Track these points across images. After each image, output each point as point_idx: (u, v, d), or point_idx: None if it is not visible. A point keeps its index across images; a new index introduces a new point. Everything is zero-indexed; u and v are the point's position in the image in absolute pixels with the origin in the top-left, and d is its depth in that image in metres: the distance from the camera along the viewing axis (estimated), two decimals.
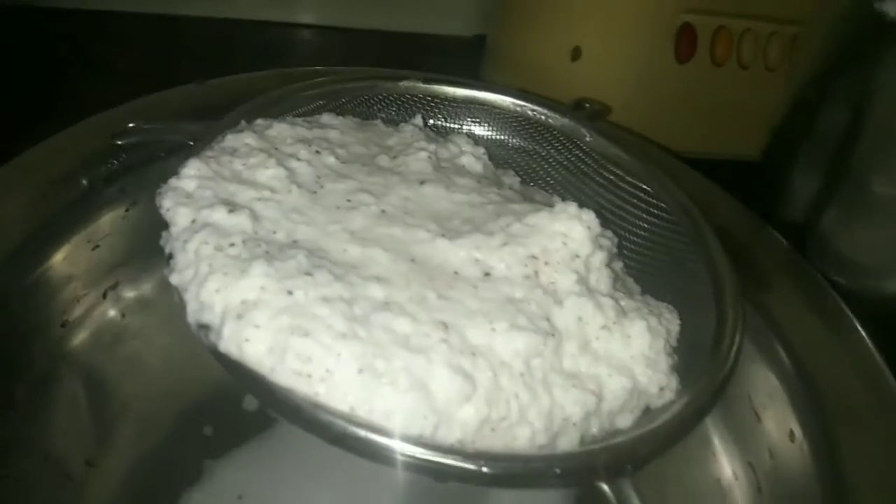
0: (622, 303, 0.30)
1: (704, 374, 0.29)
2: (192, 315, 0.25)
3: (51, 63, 0.58)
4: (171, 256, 0.27)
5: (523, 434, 0.24)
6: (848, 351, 0.35)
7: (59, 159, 0.36)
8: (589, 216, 0.30)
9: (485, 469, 0.22)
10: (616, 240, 0.34)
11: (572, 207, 0.30)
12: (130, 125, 0.34)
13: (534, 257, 0.29)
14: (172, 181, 0.29)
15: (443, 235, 0.29)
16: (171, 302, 0.40)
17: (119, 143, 0.34)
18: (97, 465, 0.38)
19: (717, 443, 0.39)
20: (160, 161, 0.37)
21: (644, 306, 0.31)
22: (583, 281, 0.29)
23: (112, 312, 0.39)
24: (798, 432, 0.34)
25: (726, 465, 0.38)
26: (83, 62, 0.58)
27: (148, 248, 0.39)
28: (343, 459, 0.39)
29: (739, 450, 0.38)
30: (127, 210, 0.37)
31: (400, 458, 0.22)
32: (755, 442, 0.37)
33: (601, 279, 0.30)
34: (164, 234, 0.28)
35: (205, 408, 0.41)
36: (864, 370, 0.34)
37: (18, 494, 0.33)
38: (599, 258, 0.30)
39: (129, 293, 0.40)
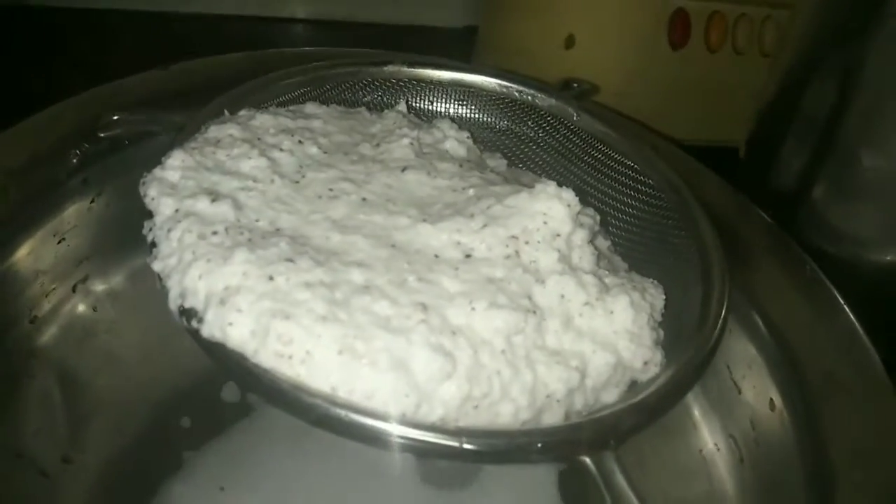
0: (606, 280, 0.30)
1: (689, 347, 0.29)
2: (174, 301, 0.25)
3: (38, 59, 0.58)
4: (153, 245, 0.27)
5: (506, 411, 0.24)
6: (826, 320, 0.35)
7: (19, 150, 0.35)
8: (568, 194, 0.30)
9: (466, 445, 0.21)
10: (598, 217, 0.34)
11: (551, 187, 0.30)
12: (115, 117, 0.33)
13: (514, 237, 0.29)
14: (157, 171, 0.29)
15: (424, 220, 0.29)
16: (142, 294, 0.40)
17: (102, 135, 0.33)
18: (73, 462, 0.37)
19: (698, 415, 0.39)
20: (123, 150, 0.36)
21: (628, 282, 0.31)
22: (564, 259, 0.29)
23: (82, 307, 0.39)
24: (778, 401, 0.34)
25: (708, 437, 0.38)
26: (71, 59, 0.58)
27: (115, 239, 0.39)
28: (324, 446, 0.39)
29: (720, 422, 0.38)
30: (92, 201, 0.36)
31: (383, 437, 0.21)
32: (736, 413, 0.37)
33: (584, 257, 0.30)
34: (146, 223, 0.28)
35: (181, 399, 0.41)
36: (843, 339, 0.34)
37: None
38: (581, 236, 0.30)
39: (99, 286, 0.39)
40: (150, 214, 0.29)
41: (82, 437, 0.38)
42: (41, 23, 0.61)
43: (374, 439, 0.22)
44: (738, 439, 0.37)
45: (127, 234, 0.38)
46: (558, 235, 0.29)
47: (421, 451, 0.22)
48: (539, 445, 0.22)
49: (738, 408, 0.37)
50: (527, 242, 0.29)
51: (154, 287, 0.40)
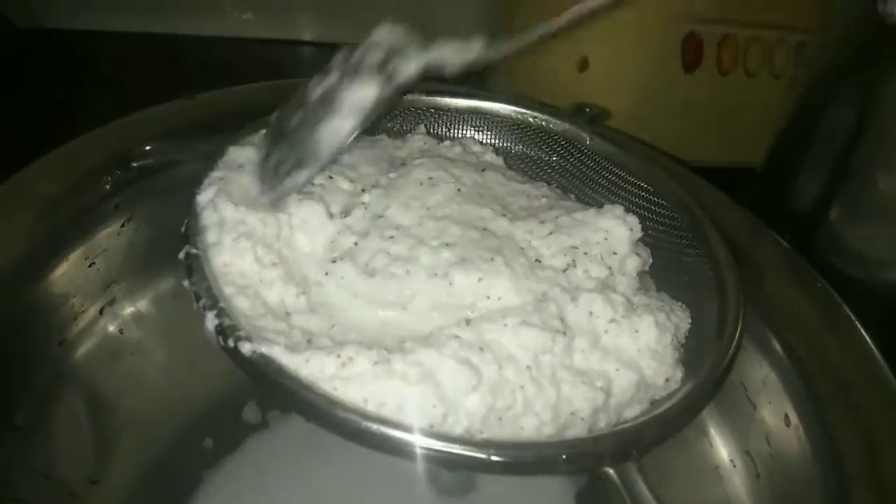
0: (633, 298, 0.31)
1: (707, 363, 0.29)
2: (211, 321, 0.26)
3: (54, 83, 0.59)
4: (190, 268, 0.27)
5: (530, 424, 0.25)
6: (839, 336, 0.36)
7: (55, 177, 0.36)
8: (633, 220, 0.32)
9: (493, 457, 0.22)
10: (650, 254, 0.34)
11: (619, 210, 0.32)
12: (147, 147, 0.34)
13: (574, 247, 0.30)
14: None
15: (504, 216, 0.31)
16: (167, 317, 0.41)
17: (135, 164, 0.34)
18: (100, 482, 0.38)
19: (714, 432, 0.39)
20: (152, 177, 0.37)
21: (655, 302, 0.31)
22: (609, 278, 0.30)
23: (110, 329, 0.39)
24: (793, 417, 0.34)
25: (724, 454, 0.39)
26: (87, 81, 0.59)
27: (143, 263, 0.40)
28: (342, 461, 0.40)
29: (736, 438, 0.38)
30: (122, 226, 0.37)
31: (412, 449, 0.22)
32: (751, 429, 0.37)
33: (627, 284, 0.31)
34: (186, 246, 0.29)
35: (203, 420, 0.42)
36: (856, 354, 0.35)
37: None
38: (633, 264, 0.32)
39: (126, 309, 0.40)
40: (163, 240, 0.30)
41: (108, 458, 0.38)
42: (61, 43, 0.63)
43: (403, 451, 0.22)
44: (754, 455, 0.37)
45: (153, 258, 0.40)
46: (614, 253, 0.31)
47: (449, 463, 0.22)
48: (564, 457, 0.23)
49: (754, 424, 0.37)
50: (585, 253, 0.30)
51: (179, 310, 0.41)
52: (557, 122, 0.39)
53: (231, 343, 0.24)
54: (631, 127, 0.45)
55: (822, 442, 0.32)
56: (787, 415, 0.34)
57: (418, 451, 0.22)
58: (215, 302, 0.26)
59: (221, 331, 0.25)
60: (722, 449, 0.39)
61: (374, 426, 0.22)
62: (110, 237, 0.37)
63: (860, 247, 0.40)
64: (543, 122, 0.39)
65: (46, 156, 0.36)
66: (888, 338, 0.38)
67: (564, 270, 0.30)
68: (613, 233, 0.31)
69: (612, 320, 0.28)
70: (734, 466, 0.38)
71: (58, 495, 0.36)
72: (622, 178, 0.38)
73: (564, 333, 0.27)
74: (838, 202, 0.41)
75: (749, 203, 0.41)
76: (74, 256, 0.36)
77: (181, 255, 0.28)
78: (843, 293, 0.38)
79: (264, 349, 0.24)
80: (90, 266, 0.37)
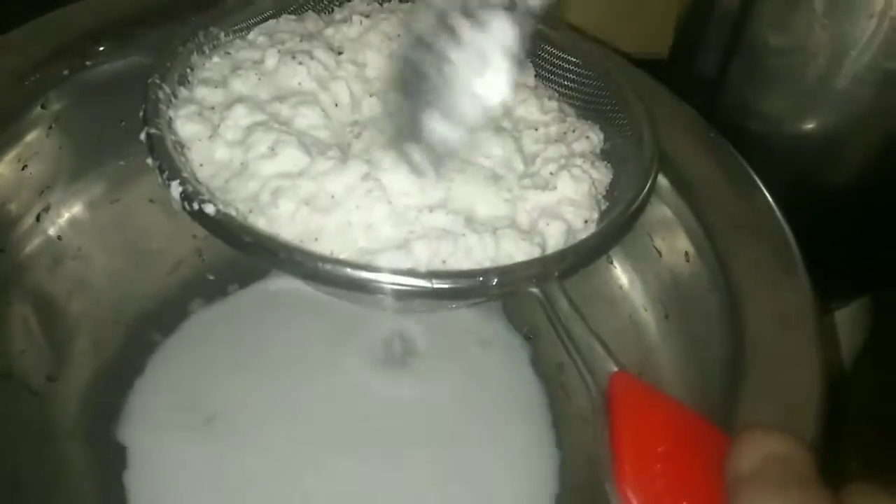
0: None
1: (619, 206, 0.33)
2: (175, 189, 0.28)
3: None
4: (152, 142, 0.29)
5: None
6: (731, 178, 0.40)
7: None
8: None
9: (436, 284, 0.25)
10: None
11: None
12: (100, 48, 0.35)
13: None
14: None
15: None
16: (103, 222, 0.42)
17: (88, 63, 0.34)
18: (58, 380, 0.39)
19: (627, 283, 0.43)
20: (79, 74, 0.37)
21: (569, 157, 0.34)
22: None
23: (48, 234, 0.40)
24: (692, 252, 0.38)
25: (637, 302, 0.43)
26: None
27: (75, 167, 0.41)
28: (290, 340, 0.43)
29: (646, 286, 0.43)
30: (50, 127, 0.38)
31: (367, 284, 0.25)
32: (659, 274, 0.42)
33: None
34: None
35: (151, 318, 0.43)
36: (743, 190, 0.39)
37: None
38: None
39: (63, 215, 0.41)
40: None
41: (63, 357, 0.40)
42: None
43: (358, 286, 0.25)
44: (662, 299, 0.42)
45: (85, 162, 0.41)
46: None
47: (398, 294, 0.25)
48: (496, 281, 0.26)
49: (660, 269, 0.41)
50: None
51: (114, 215, 0.42)
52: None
53: (196, 206, 0.26)
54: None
55: (717, 269, 0.37)
56: (686, 252, 0.39)
57: (374, 285, 0.25)
58: (178, 172, 0.27)
59: (186, 196, 0.27)
60: (634, 297, 0.43)
61: (334, 267, 0.25)
62: (40, 140, 0.38)
63: (758, 104, 0.43)
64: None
65: None
66: (782, 180, 0.42)
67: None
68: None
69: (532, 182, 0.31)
70: (646, 311, 0.43)
71: (19, 393, 0.37)
72: (553, 54, 0.39)
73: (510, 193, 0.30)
74: (737, 67, 0.44)
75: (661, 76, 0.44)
76: (8, 160, 0.36)
77: (142, 136, 0.29)
78: (747, 146, 0.42)
79: (224, 208, 0.26)
80: (23, 170, 0.37)
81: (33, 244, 0.39)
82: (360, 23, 0.36)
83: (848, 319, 0.54)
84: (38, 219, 0.39)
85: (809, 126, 0.41)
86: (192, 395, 0.41)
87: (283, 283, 0.45)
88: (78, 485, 0.36)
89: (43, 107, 0.36)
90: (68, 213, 0.41)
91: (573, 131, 0.36)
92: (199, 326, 0.43)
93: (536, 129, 0.35)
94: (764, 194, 0.38)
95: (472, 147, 0.31)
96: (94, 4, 0.39)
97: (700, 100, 0.45)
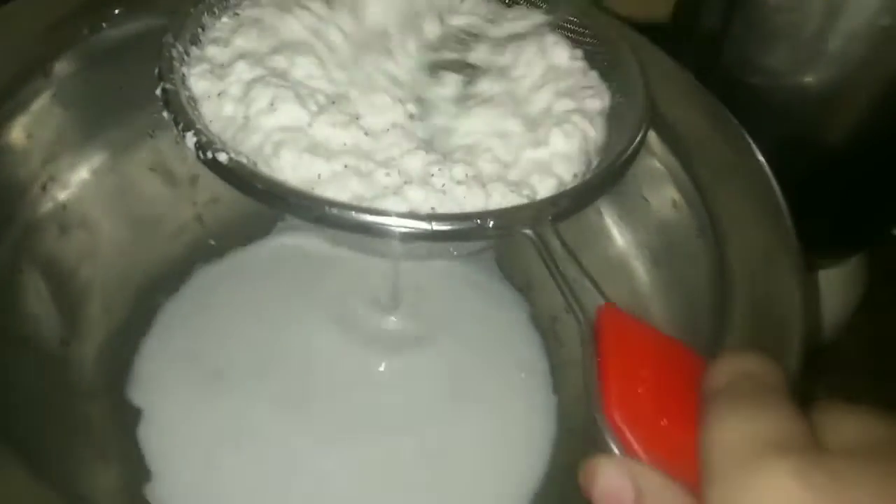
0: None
1: (608, 157, 0.34)
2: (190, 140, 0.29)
3: None
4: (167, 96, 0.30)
5: None
6: (720, 130, 0.41)
7: None
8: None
9: (435, 226, 0.27)
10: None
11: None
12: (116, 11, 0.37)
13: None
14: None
15: None
16: (107, 190, 0.43)
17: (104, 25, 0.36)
18: (71, 344, 0.41)
19: (617, 232, 0.45)
20: (81, 42, 0.38)
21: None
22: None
23: (53, 204, 0.41)
24: (679, 199, 0.40)
25: (627, 249, 0.45)
26: None
27: (76, 137, 0.42)
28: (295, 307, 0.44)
29: (635, 233, 0.44)
30: (53, 96, 0.39)
31: (370, 225, 0.26)
32: (648, 223, 0.43)
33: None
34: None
35: (158, 282, 0.45)
36: (730, 142, 0.40)
37: (9, 377, 0.36)
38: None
39: (67, 184, 0.42)
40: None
41: (75, 323, 0.41)
42: None
43: (363, 228, 0.27)
44: (651, 248, 0.43)
45: (85, 131, 0.42)
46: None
47: (402, 236, 0.27)
48: (491, 223, 0.28)
49: (649, 217, 0.43)
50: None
51: (116, 184, 0.44)
52: None
53: (210, 155, 0.28)
54: None
55: (703, 213, 0.38)
56: (673, 199, 0.40)
57: (378, 227, 0.26)
58: (192, 124, 0.29)
59: (200, 146, 0.28)
60: (625, 244, 0.45)
61: (340, 210, 0.27)
62: (44, 110, 0.39)
63: (759, 61, 0.44)
64: None
65: None
66: (781, 134, 0.44)
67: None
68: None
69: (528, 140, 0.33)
70: (636, 260, 0.44)
71: (36, 357, 0.39)
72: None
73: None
74: (738, 25, 0.45)
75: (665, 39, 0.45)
76: (14, 130, 0.37)
77: (157, 91, 0.31)
78: (748, 101, 0.44)
79: (235, 156, 0.28)
80: (28, 139, 0.38)
81: (40, 213, 0.40)
82: None
83: (844, 277, 0.55)
84: (43, 188, 0.40)
85: (808, 81, 0.43)
86: (198, 352, 0.42)
87: (284, 240, 0.46)
88: (99, 440, 0.38)
89: (46, 75, 0.37)
90: (73, 182, 0.42)
91: (590, 88, 0.37)
92: (201, 287, 0.45)
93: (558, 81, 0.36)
94: (751, 146, 0.39)
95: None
96: None
97: (702, 59, 0.46)
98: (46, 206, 0.41)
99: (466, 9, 0.39)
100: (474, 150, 0.32)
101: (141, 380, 0.41)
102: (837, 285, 0.55)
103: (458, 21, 0.38)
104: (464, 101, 0.35)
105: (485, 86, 0.35)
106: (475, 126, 0.33)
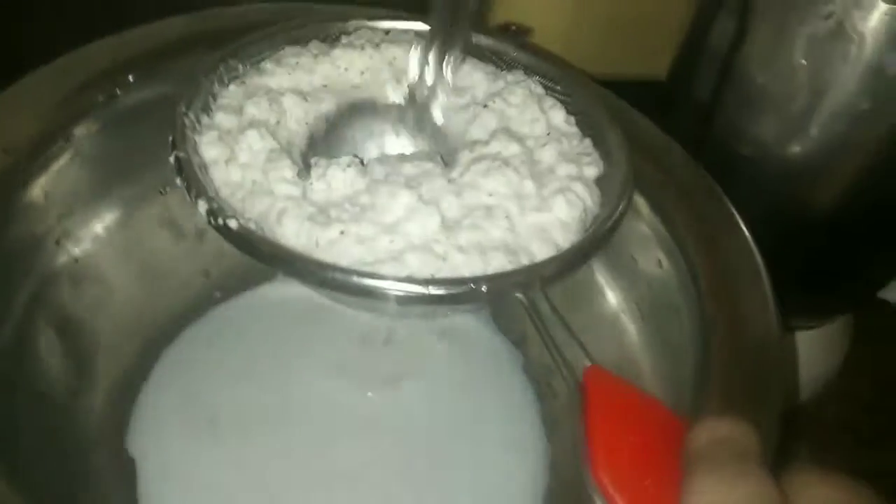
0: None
1: (597, 224, 0.35)
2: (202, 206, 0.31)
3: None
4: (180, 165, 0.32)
5: None
6: (705, 201, 0.43)
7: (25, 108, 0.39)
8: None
9: (432, 290, 0.28)
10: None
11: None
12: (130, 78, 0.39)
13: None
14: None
15: None
16: (119, 244, 0.45)
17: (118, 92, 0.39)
18: (83, 395, 0.42)
19: (609, 290, 0.47)
20: (99, 108, 0.41)
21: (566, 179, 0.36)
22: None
23: (67, 259, 0.43)
24: (664, 260, 0.42)
25: (616, 306, 0.46)
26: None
27: (89, 195, 0.44)
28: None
29: (624, 291, 0.46)
30: (71, 158, 0.41)
31: (370, 290, 0.28)
32: (636, 281, 0.45)
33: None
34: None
35: (167, 332, 0.47)
36: (716, 211, 0.42)
37: (19, 427, 0.37)
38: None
39: (80, 240, 0.44)
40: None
41: (86, 374, 0.43)
42: None
43: (362, 291, 0.29)
44: (639, 303, 0.45)
45: (98, 190, 0.44)
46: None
47: (400, 300, 0.29)
48: (485, 287, 0.29)
49: (637, 276, 0.45)
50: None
51: (127, 239, 0.46)
52: (484, 37, 0.42)
53: (221, 221, 0.30)
54: (557, 46, 0.47)
55: (685, 274, 0.40)
56: (659, 259, 0.42)
57: (378, 291, 0.28)
58: (203, 191, 0.31)
59: (211, 212, 0.30)
60: (614, 301, 0.47)
61: (343, 275, 0.29)
62: (62, 170, 0.41)
63: (748, 132, 0.46)
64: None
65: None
66: (770, 202, 0.46)
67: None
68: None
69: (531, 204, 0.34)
70: (625, 314, 0.46)
71: (46, 409, 0.40)
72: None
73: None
74: (728, 96, 0.47)
75: (657, 104, 0.47)
76: (34, 189, 0.39)
77: (171, 159, 0.33)
78: (738, 169, 0.46)
79: (245, 223, 0.30)
80: (46, 198, 0.40)
81: (55, 267, 0.42)
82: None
83: (826, 338, 0.57)
84: (57, 243, 0.42)
85: (794, 154, 0.44)
86: (195, 401, 0.44)
87: (279, 291, 0.48)
88: (103, 490, 0.39)
89: (66, 139, 0.39)
90: (86, 237, 0.44)
91: (587, 154, 0.38)
92: (196, 336, 0.46)
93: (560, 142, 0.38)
94: (731, 210, 0.41)
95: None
96: (116, 41, 0.43)
97: (696, 122, 0.48)
98: (61, 260, 0.43)
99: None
100: (493, 211, 0.34)
101: (137, 431, 0.42)
102: (820, 345, 0.56)
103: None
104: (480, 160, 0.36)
105: (499, 145, 0.37)
106: (497, 187, 0.34)
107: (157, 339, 0.46)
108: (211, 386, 0.45)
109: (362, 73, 0.39)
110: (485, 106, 0.38)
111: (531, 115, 0.38)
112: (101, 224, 0.45)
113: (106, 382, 0.44)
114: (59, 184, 0.41)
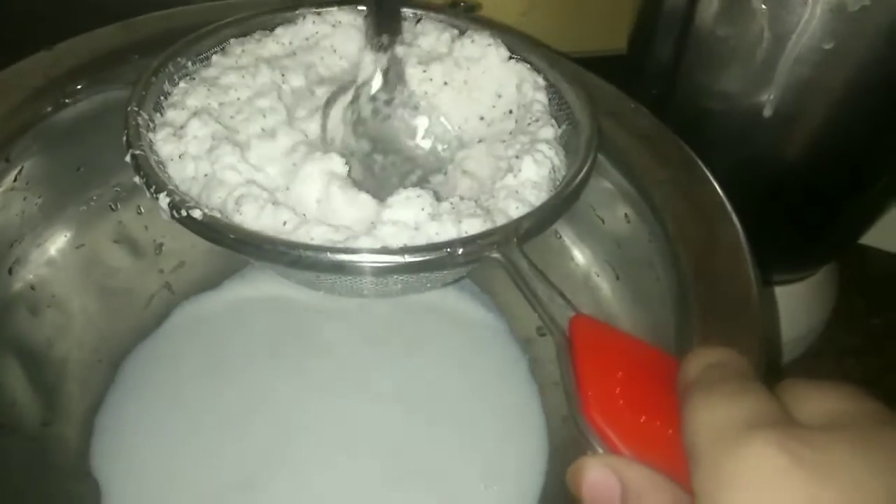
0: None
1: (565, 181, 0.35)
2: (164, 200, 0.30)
3: None
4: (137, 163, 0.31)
5: None
6: (667, 154, 0.43)
7: None
8: None
9: (408, 258, 0.28)
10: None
11: None
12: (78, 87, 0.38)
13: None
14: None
15: None
16: (74, 268, 0.44)
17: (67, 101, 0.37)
18: (52, 425, 0.40)
19: (578, 253, 0.47)
20: (39, 124, 0.39)
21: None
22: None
23: (22, 286, 0.41)
24: (630, 213, 0.42)
25: (589, 268, 0.46)
26: None
27: (38, 218, 0.42)
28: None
29: (594, 252, 0.46)
30: (15, 180, 0.39)
31: (347, 264, 0.28)
32: (605, 240, 0.45)
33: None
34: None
35: (129, 352, 0.45)
36: (671, 155, 0.43)
37: None
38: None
39: (33, 266, 0.42)
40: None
41: (55, 402, 0.41)
42: None
43: (336, 268, 0.28)
44: (611, 262, 0.45)
45: (47, 212, 0.42)
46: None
47: (377, 271, 0.28)
48: (461, 250, 0.29)
49: (605, 235, 0.45)
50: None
51: (81, 259, 0.44)
52: (434, 14, 0.42)
53: (185, 213, 0.29)
54: (520, 24, 0.47)
55: (654, 225, 0.40)
56: (626, 214, 0.42)
57: (353, 265, 0.28)
58: (164, 185, 0.30)
59: (174, 205, 0.29)
60: (586, 264, 0.46)
61: (315, 253, 0.28)
62: (6, 194, 0.39)
63: (713, 85, 0.46)
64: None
65: None
66: (738, 157, 0.46)
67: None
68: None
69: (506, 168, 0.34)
70: (598, 276, 0.46)
71: (17, 442, 0.38)
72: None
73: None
74: (691, 54, 0.47)
75: (619, 76, 0.47)
76: None
77: (127, 158, 0.31)
78: (702, 122, 0.46)
79: (209, 211, 0.29)
80: None
81: (10, 296, 0.40)
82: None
83: (812, 289, 0.58)
84: (10, 272, 0.41)
85: (761, 104, 0.44)
86: (153, 415, 0.43)
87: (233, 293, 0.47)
88: None
89: (7, 160, 0.38)
90: (39, 263, 0.42)
91: (536, 120, 0.39)
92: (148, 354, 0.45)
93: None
94: (692, 156, 0.41)
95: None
96: (62, 49, 0.41)
97: (659, 87, 0.48)
98: (16, 287, 0.41)
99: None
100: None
101: (98, 454, 0.41)
102: (806, 298, 0.57)
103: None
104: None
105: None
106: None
107: (118, 361, 0.44)
108: (169, 397, 0.43)
109: (307, 38, 0.39)
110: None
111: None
112: (55, 247, 0.43)
113: (78, 409, 0.42)
114: (5, 209, 0.40)
